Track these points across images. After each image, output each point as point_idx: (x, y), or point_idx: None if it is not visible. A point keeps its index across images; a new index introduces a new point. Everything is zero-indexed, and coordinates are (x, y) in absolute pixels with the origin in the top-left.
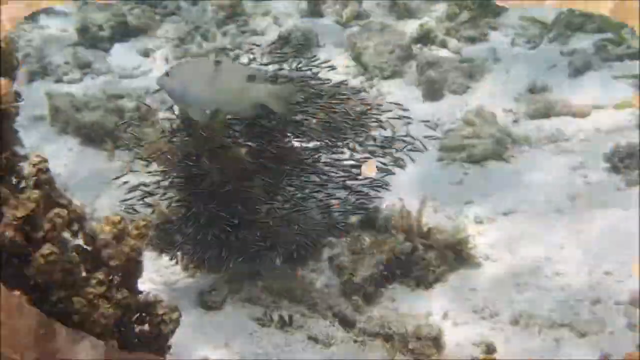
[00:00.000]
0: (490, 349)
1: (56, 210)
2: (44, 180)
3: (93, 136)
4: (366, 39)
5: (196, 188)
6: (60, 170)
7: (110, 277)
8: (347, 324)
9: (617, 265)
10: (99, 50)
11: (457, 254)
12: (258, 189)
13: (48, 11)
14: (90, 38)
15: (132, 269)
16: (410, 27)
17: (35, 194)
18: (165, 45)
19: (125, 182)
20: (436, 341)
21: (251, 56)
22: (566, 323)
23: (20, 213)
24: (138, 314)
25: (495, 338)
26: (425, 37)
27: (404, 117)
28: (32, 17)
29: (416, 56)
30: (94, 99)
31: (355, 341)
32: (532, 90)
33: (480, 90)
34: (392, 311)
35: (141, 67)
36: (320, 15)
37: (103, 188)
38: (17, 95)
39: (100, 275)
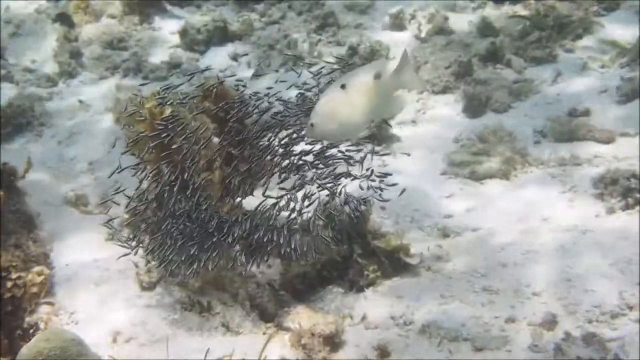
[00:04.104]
0: (384, 354)
1: None
2: None
3: None
4: (429, 53)
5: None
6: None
7: None
8: (265, 316)
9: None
10: (194, 53)
11: (393, 262)
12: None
13: (163, 14)
14: (189, 41)
15: None
16: (486, 44)
17: None
18: (254, 50)
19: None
20: (330, 340)
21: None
22: (469, 337)
23: None
24: None
25: (397, 344)
26: (493, 55)
27: None
28: (148, 19)
29: (474, 73)
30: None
31: (264, 333)
32: (572, 113)
33: (521, 110)
34: (311, 309)
35: (227, 71)
36: (402, 29)
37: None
38: None
39: None
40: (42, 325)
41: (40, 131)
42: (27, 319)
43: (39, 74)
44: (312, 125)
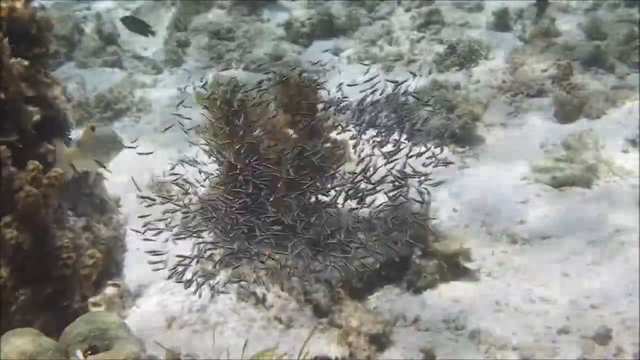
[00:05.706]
0: (429, 357)
1: None
2: None
3: None
4: (529, 55)
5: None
6: None
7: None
8: (319, 312)
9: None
10: (298, 46)
11: (453, 265)
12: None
13: (272, 6)
14: (294, 34)
15: (37, 211)
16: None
17: None
18: (357, 46)
19: None
20: (376, 339)
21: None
22: (517, 346)
23: None
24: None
25: (444, 348)
26: (596, 59)
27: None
28: (256, 11)
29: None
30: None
31: (315, 327)
32: None
33: (615, 117)
34: (364, 308)
35: (326, 64)
36: (507, 29)
37: None
38: None
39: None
40: (104, 306)
41: (137, 117)
42: (91, 300)
43: (147, 61)
44: None
